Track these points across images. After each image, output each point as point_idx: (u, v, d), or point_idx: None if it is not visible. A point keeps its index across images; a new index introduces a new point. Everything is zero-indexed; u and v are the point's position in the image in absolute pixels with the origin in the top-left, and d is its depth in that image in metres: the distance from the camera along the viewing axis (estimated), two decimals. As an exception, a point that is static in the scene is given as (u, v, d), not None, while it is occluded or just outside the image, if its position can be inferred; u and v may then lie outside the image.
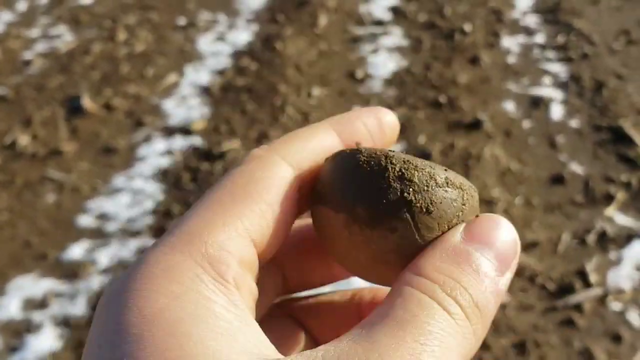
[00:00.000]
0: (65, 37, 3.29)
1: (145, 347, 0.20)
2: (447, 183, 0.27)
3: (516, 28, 3.29)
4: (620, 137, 2.43)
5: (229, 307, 0.22)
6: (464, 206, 0.27)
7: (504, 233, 0.26)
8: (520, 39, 3.18)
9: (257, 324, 0.23)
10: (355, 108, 0.31)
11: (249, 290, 0.25)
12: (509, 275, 0.26)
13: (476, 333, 0.24)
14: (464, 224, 0.26)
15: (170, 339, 0.20)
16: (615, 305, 1.79)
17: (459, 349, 0.23)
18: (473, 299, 0.23)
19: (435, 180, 0.27)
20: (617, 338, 1.70)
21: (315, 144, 0.30)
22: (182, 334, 0.20)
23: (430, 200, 0.26)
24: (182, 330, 0.20)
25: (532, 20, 3.35)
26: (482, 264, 0.24)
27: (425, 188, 0.26)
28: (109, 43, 3.22)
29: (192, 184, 2.25)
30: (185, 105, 2.70)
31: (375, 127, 0.33)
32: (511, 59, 3.00)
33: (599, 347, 1.68)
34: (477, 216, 0.27)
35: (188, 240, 0.23)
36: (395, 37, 3.23)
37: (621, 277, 1.87)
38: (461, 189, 0.27)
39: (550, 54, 3.05)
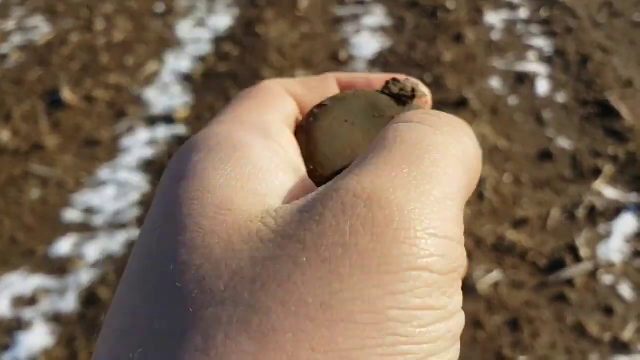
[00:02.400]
0: (41, 29, 3.24)
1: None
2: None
3: (499, 3, 3.28)
4: (606, 111, 2.45)
5: (271, 161, 0.25)
6: None
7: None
8: (504, 14, 3.18)
9: (294, 173, 0.26)
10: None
11: (294, 153, 0.28)
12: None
13: (459, 137, 0.26)
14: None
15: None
16: (606, 279, 1.81)
17: (453, 152, 0.25)
18: (455, 125, 0.26)
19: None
20: (609, 311, 1.73)
21: (315, 91, 0.33)
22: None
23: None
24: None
25: (515, -5, 3.35)
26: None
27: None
28: (86, 33, 3.18)
29: (178, 173, 2.24)
30: (167, 93, 2.68)
31: None
32: (495, 35, 3.00)
33: (592, 320, 1.70)
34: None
35: (235, 120, 0.27)
36: (378, 16, 3.22)
37: (611, 250, 1.89)
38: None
39: (534, 28, 3.05)
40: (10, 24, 3.30)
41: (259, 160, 0.24)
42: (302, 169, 0.27)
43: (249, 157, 0.24)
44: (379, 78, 0.34)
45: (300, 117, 0.31)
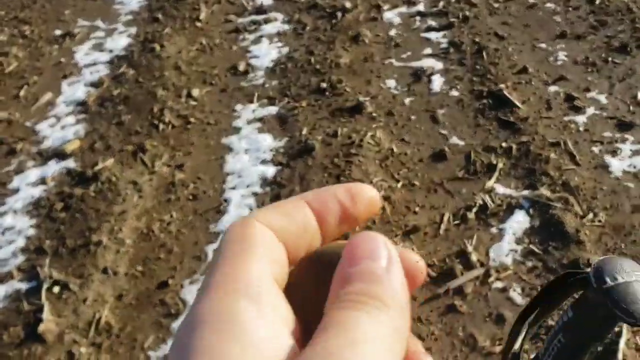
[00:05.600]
0: None
1: None
2: None
3: (398, -2, 3.12)
4: (500, 102, 2.32)
5: (265, 328, 0.27)
6: None
7: (376, 241, 0.29)
8: (402, 9, 3.02)
9: (287, 337, 0.27)
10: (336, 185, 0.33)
11: (282, 309, 0.28)
12: (396, 267, 0.28)
13: (393, 319, 0.26)
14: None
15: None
16: (497, 284, 1.68)
17: (390, 334, 0.26)
18: (382, 300, 0.27)
19: None
20: (500, 319, 1.60)
21: (292, 218, 0.32)
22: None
23: None
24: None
25: (414, -12, 3.19)
26: (374, 272, 0.28)
27: None
28: (-20, 65, 2.92)
29: (64, 212, 2.03)
30: (60, 125, 2.46)
31: (348, 202, 0.33)
32: (393, 32, 2.84)
33: (483, 332, 1.58)
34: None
35: (229, 288, 0.28)
36: (277, 22, 3.03)
37: (503, 252, 1.76)
38: None
39: (432, 21, 2.90)
40: None
41: (255, 332, 0.26)
42: (291, 325, 0.28)
43: (246, 331, 0.26)
44: (345, 189, 0.33)
45: (287, 257, 0.31)
